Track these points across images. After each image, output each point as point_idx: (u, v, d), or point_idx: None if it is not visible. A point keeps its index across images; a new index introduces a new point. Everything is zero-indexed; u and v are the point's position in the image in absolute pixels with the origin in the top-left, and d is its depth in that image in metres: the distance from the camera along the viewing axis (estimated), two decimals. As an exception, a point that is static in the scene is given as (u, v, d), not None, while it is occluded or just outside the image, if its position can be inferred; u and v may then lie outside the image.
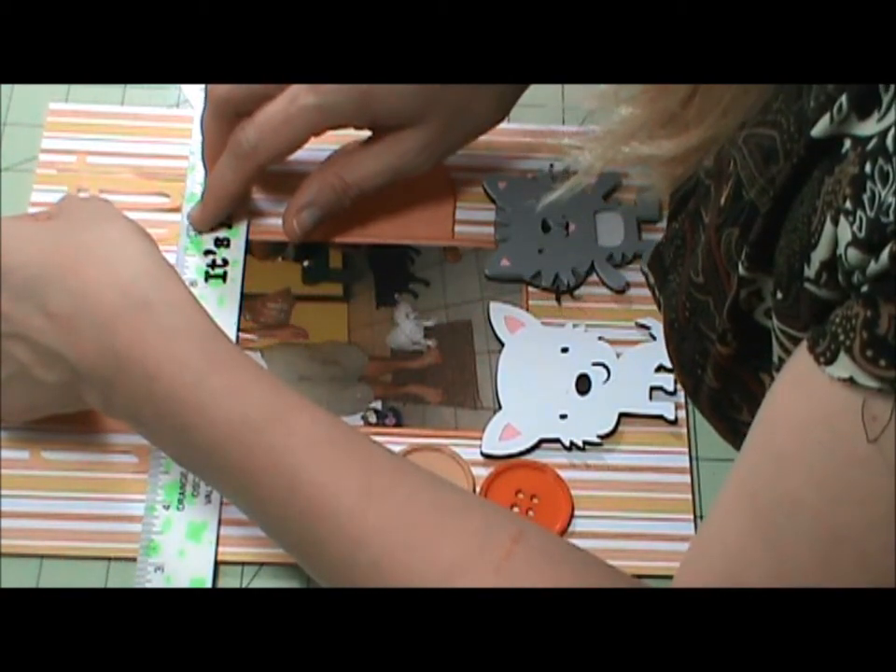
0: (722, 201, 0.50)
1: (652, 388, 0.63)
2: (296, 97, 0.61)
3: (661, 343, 0.64)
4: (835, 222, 0.40)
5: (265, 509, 0.53)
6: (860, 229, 0.38)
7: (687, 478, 0.61)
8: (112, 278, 0.53)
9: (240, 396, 0.52)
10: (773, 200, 0.45)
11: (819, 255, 0.41)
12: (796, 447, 0.41)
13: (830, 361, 0.39)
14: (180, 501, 0.59)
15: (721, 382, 0.52)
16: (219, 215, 0.66)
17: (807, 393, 0.41)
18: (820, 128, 0.42)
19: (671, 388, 0.63)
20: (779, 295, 0.44)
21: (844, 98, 0.40)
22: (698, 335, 0.53)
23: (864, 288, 0.38)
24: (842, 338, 0.39)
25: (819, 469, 0.40)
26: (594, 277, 0.66)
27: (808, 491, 0.41)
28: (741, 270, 0.48)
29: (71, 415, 0.60)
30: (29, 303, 0.54)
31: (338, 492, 0.51)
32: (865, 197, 0.38)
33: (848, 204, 0.39)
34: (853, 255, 0.39)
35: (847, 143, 0.40)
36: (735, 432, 0.54)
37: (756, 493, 0.43)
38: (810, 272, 0.42)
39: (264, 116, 0.62)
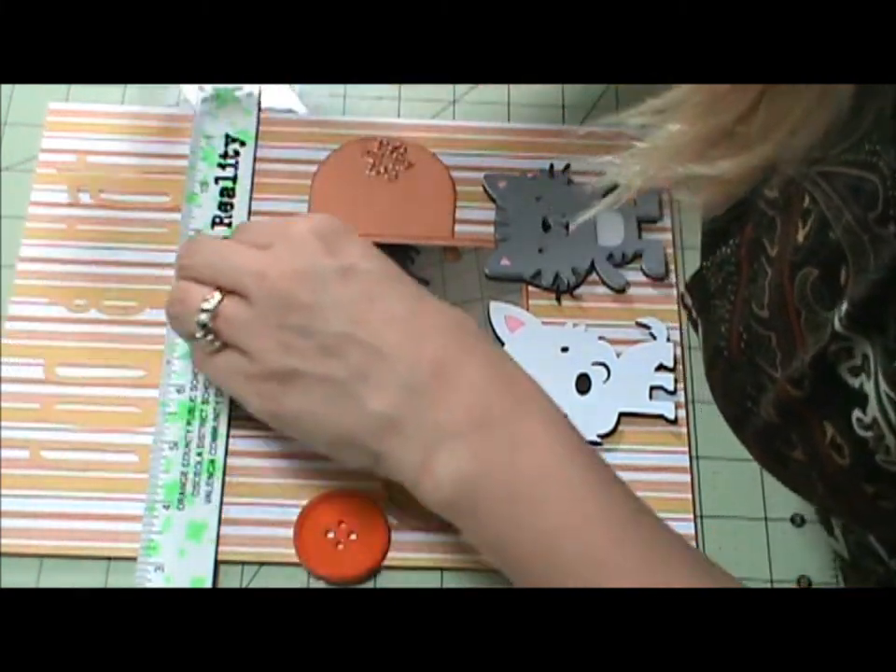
0: (800, 238, 0.48)
1: (652, 388, 0.63)
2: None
3: (661, 342, 0.64)
4: None
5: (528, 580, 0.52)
6: None
7: (687, 477, 0.61)
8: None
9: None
10: (889, 269, 0.42)
11: None
12: None
13: None
14: (180, 501, 0.59)
15: (783, 419, 0.51)
16: None
17: None
18: None
19: (671, 388, 0.63)
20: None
21: None
22: (753, 368, 0.52)
23: None
24: None
25: None
26: (594, 277, 0.66)
27: None
28: (837, 325, 0.45)
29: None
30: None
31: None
32: None
33: None
34: None
35: None
36: (783, 465, 0.53)
37: None
38: None
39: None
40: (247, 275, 0.55)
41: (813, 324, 0.48)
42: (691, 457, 0.62)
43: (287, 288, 0.54)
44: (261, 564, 0.58)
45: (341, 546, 0.58)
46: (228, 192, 0.67)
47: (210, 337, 0.56)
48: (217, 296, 0.56)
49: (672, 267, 0.67)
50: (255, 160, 0.69)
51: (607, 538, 0.50)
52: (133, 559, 0.57)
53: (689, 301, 0.60)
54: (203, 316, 0.56)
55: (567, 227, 0.67)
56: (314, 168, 0.69)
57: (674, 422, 0.62)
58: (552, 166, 0.69)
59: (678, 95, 0.44)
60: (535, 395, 0.53)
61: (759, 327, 0.51)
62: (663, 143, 0.46)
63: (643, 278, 0.66)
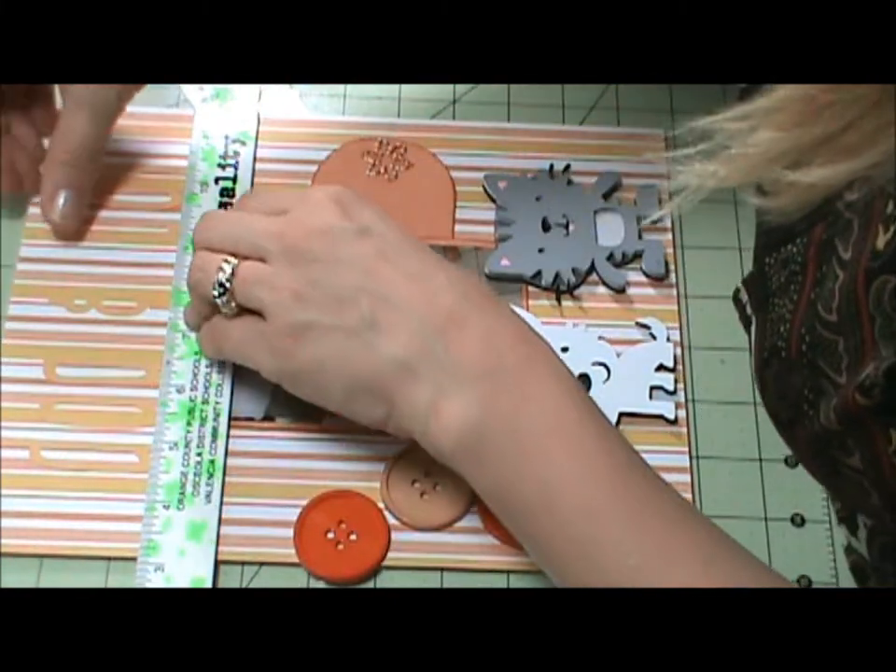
0: (881, 244, 0.48)
1: (652, 388, 0.63)
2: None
3: (661, 342, 0.64)
4: None
5: (556, 570, 0.52)
6: None
7: (687, 477, 0.61)
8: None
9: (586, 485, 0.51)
10: None
11: None
12: None
13: None
14: (180, 501, 0.59)
15: (843, 425, 0.51)
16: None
17: None
18: None
19: (671, 388, 0.63)
20: None
21: None
22: (814, 371, 0.51)
23: None
24: None
25: None
26: (594, 277, 0.66)
27: None
28: None
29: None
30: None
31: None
32: None
33: None
34: None
35: None
36: (835, 471, 0.53)
37: None
38: None
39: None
40: (266, 238, 0.56)
41: (888, 332, 0.47)
42: (691, 457, 0.62)
43: (305, 245, 0.55)
44: (261, 564, 0.58)
45: (341, 546, 0.58)
46: (228, 192, 0.67)
47: (226, 298, 0.57)
48: (235, 260, 0.57)
49: (672, 267, 0.67)
50: (255, 160, 0.69)
51: (607, 491, 0.50)
52: (133, 559, 0.57)
53: (744, 297, 0.59)
54: (222, 275, 0.56)
55: (567, 227, 0.67)
56: (314, 168, 0.69)
57: (674, 422, 0.62)
58: (552, 166, 0.69)
59: (772, 102, 0.42)
60: (544, 350, 0.54)
61: (824, 330, 0.51)
62: (754, 149, 0.43)
63: (643, 278, 0.66)
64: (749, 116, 0.43)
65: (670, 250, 0.67)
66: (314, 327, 0.55)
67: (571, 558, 0.50)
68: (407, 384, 0.53)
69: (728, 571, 0.49)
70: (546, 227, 0.67)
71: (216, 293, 0.57)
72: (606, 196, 0.69)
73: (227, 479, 0.60)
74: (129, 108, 0.69)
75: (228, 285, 0.57)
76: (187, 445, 0.60)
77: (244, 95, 0.71)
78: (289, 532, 0.59)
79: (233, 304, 0.57)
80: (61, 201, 0.64)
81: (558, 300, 0.66)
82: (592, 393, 0.63)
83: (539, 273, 0.66)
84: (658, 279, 0.66)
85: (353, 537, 0.59)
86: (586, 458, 0.51)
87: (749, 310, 0.59)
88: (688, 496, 0.61)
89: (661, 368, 0.64)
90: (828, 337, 0.50)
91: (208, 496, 0.59)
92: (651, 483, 0.52)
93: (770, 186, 0.44)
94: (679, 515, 0.51)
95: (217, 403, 0.61)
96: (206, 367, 0.62)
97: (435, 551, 0.59)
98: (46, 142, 0.65)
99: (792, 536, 0.60)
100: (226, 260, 0.57)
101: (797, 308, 0.53)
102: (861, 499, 0.52)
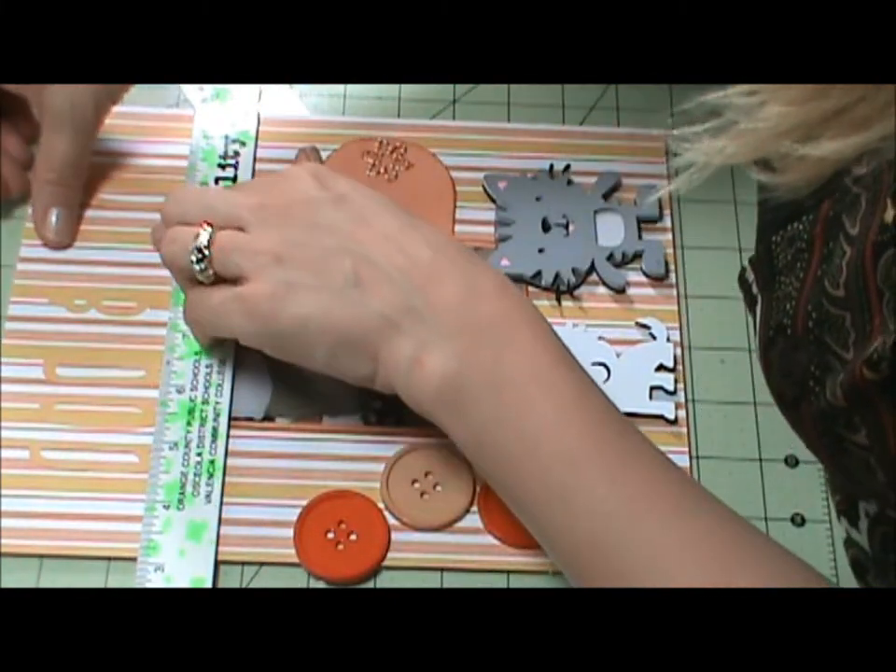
0: (889, 218, 0.48)
1: (652, 388, 0.63)
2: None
3: (661, 342, 0.64)
4: None
5: (546, 536, 0.52)
6: None
7: (687, 478, 0.61)
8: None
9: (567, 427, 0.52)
10: None
11: None
12: None
13: None
14: (180, 501, 0.59)
15: (850, 401, 0.51)
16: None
17: None
18: None
19: (671, 388, 0.63)
20: None
21: None
22: (821, 347, 0.51)
23: None
24: None
25: None
26: (594, 277, 0.66)
27: None
28: None
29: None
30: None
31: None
32: None
33: None
34: None
35: None
36: (841, 449, 0.53)
37: None
38: None
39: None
40: (245, 209, 0.56)
41: None
42: (691, 457, 0.62)
43: (284, 213, 0.56)
44: (261, 564, 0.58)
45: (341, 546, 0.58)
46: (228, 192, 0.67)
47: (204, 265, 0.56)
48: (210, 228, 0.56)
49: (672, 267, 0.67)
50: (255, 160, 0.69)
51: (583, 438, 0.51)
52: (133, 559, 0.57)
53: (751, 276, 0.59)
54: (200, 241, 0.56)
55: (567, 227, 0.67)
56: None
57: (674, 422, 0.62)
58: (552, 166, 0.69)
59: None
60: (522, 302, 0.55)
61: (831, 306, 0.51)
62: (764, 124, 0.43)
63: (643, 278, 0.66)
64: (759, 91, 0.43)
65: (670, 250, 0.67)
66: (296, 286, 0.55)
67: (547, 504, 0.51)
68: (392, 339, 0.54)
69: (703, 520, 0.50)
70: (546, 227, 0.67)
71: (193, 258, 0.56)
72: (606, 196, 0.69)
73: (227, 479, 0.60)
74: (129, 108, 0.70)
75: (206, 252, 0.56)
76: (187, 445, 0.60)
77: (244, 95, 0.71)
78: (289, 532, 0.59)
79: (211, 272, 0.57)
80: (53, 219, 0.65)
81: (558, 300, 0.66)
82: (592, 393, 0.63)
83: (538, 274, 0.66)
84: (658, 279, 0.66)
85: (353, 537, 0.59)
86: (563, 406, 0.52)
87: (754, 289, 0.59)
88: (688, 496, 0.61)
89: (661, 368, 0.64)
90: (835, 313, 0.51)
91: (208, 496, 0.59)
92: (627, 432, 0.52)
93: (778, 161, 0.44)
94: (655, 465, 0.52)
95: (217, 403, 0.61)
96: (206, 367, 0.62)
97: (435, 551, 0.59)
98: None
99: (792, 536, 0.60)
100: (202, 227, 0.56)
101: (804, 285, 0.53)
102: (866, 479, 0.52)
